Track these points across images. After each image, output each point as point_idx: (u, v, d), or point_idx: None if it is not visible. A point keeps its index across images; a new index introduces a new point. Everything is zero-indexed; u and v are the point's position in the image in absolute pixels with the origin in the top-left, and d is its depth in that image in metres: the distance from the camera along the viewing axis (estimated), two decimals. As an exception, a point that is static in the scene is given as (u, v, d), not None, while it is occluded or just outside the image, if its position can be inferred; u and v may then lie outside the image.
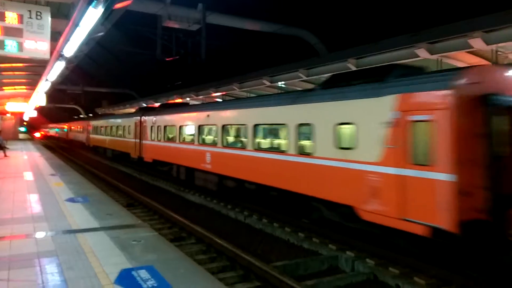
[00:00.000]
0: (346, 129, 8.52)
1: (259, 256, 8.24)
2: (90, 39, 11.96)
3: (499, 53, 12.87)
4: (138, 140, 21.67)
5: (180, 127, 16.38)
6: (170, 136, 17.71)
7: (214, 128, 13.73)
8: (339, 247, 8.57)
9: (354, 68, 16.17)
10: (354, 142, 8.14)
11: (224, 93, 25.76)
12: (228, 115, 13.03)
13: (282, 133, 11.64)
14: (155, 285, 5.08)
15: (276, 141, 11.85)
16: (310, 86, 18.96)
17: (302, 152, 9.71)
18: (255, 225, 11.13)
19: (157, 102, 32.37)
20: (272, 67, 20.49)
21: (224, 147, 12.96)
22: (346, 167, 8.22)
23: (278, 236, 10.08)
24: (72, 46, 11.16)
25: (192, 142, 15.24)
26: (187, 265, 6.00)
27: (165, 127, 18.14)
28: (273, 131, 12.39)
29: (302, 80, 19.13)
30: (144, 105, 32.75)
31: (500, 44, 12.34)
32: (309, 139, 9.67)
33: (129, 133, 23.46)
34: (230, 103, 14.35)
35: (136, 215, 10.41)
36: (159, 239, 7.32)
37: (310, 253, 8.77)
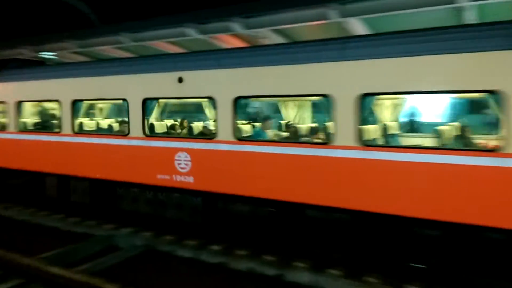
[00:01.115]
0: None
1: (23, 251, 7.34)
2: None
3: (253, 36, 14.97)
4: None
5: (75, 103, 8.98)
6: (48, 122, 10.41)
7: (201, 104, 8.51)
8: (115, 226, 8.51)
9: (132, 43, 15.75)
10: None
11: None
12: (253, 76, 6.66)
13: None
14: None
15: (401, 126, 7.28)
16: (82, 58, 17.46)
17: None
18: (17, 217, 9.80)
19: None
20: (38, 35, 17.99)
21: (238, 141, 6.85)
22: None
23: (46, 225, 9.20)
24: None
25: (119, 132, 9.16)
26: None
27: (36, 105, 10.52)
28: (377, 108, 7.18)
29: (73, 52, 17.46)
30: None
31: (255, 30, 14.45)
32: None
33: None
34: (258, 50, 7.22)
35: None
36: None
37: (85, 237, 8.38)
